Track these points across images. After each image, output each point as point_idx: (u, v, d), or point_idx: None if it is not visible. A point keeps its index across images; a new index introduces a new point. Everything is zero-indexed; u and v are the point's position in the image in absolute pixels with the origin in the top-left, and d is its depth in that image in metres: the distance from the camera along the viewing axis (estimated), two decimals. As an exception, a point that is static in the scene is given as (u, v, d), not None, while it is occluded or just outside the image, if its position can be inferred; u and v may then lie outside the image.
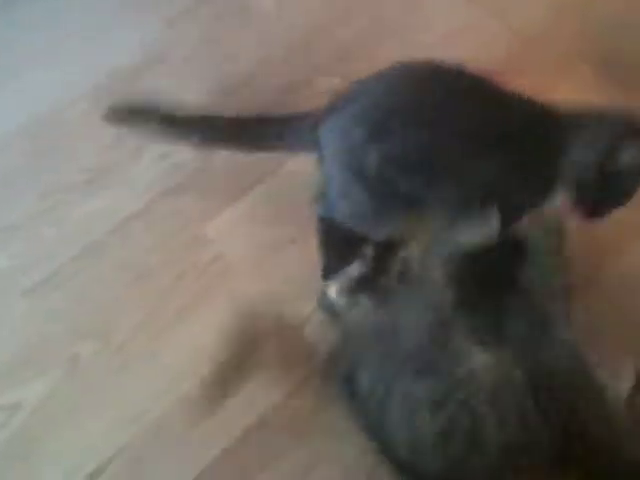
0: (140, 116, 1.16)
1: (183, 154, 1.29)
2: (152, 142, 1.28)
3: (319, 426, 1.03)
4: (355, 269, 1.06)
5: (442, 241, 1.05)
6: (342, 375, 1.02)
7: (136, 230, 1.21)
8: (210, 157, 1.28)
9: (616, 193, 0.97)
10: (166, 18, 1.51)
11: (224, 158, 1.27)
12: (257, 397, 1.05)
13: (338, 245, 1.13)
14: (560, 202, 0.98)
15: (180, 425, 1.03)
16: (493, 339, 0.95)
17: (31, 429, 1.03)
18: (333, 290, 1.06)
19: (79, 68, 1.43)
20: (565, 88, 1.30)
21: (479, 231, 1.03)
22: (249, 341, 1.10)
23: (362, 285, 1.06)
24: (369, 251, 1.08)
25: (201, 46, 1.47)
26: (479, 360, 0.93)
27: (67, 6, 1.54)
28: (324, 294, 1.09)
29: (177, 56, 1.45)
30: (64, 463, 1.01)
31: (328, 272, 1.10)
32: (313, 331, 1.11)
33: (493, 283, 1.00)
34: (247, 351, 1.10)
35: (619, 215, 0.98)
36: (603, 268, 1.15)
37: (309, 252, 1.12)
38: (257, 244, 1.19)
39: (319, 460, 1.01)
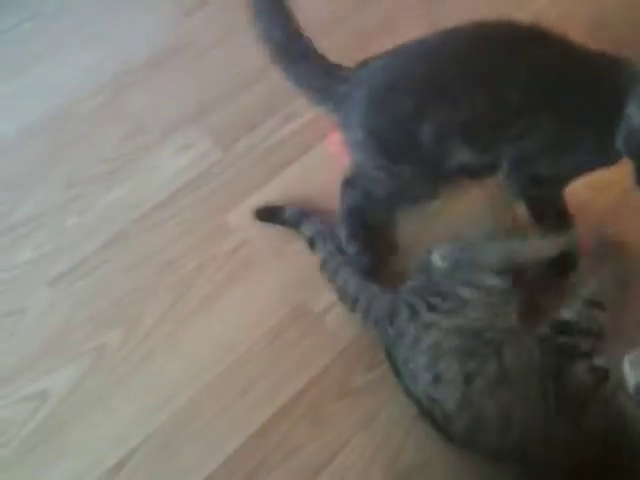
0: None
1: (204, 144, 1.29)
2: (173, 134, 1.29)
3: (341, 413, 1.04)
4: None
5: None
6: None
7: (159, 220, 1.22)
8: (232, 146, 1.29)
9: None
10: (183, 9, 1.51)
11: (245, 147, 1.28)
12: (279, 385, 1.07)
13: (362, 236, 1.14)
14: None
15: (206, 412, 1.05)
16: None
17: (58, 418, 1.05)
18: (437, 257, 1.04)
19: (97, 59, 1.43)
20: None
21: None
22: (271, 330, 1.11)
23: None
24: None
25: (218, 39, 1.46)
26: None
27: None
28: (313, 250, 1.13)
29: (193, 49, 1.44)
30: (92, 450, 1.02)
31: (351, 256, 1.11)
32: (335, 319, 1.11)
33: None
34: (270, 339, 1.10)
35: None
36: None
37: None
38: (278, 233, 1.19)
39: (341, 447, 1.02)
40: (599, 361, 0.95)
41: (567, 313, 1.00)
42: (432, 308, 0.99)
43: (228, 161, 1.28)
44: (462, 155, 0.96)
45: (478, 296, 0.99)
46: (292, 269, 1.16)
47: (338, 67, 1.02)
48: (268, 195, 1.23)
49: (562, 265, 1.11)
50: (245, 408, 1.05)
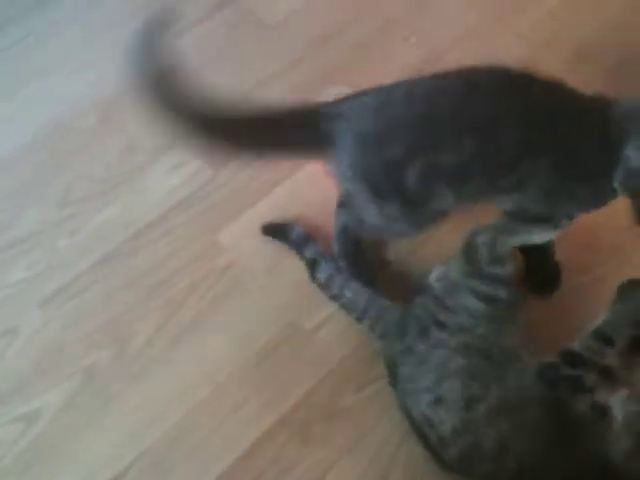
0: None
1: (196, 164, 1.30)
2: (165, 152, 1.30)
3: (332, 431, 1.05)
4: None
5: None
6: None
7: (151, 239, 1.23)
8: (223, 165, 1.29)
9: None
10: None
11: (237, 166, 1.28)
12: (270, 404, 1.07)
13: (356, 254, 1.15)
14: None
15: (198, 431, 1.05)
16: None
17: (50, 438, 1.05)
18: (434, 276, 1.05)
19: (91, 77, 1.44)
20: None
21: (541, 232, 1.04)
22: (262, 348, 1.11)
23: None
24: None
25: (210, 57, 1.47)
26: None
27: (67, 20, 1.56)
28: (313, 272, 1.13)
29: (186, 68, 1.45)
30: (84, 469, 1.02)
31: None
32: (326, 337, 1.12)
33: None
34: (261, 357, 1.11)
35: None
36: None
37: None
38: (270, 251, 1.20)
39: (331, 466, 1.02)
40: (600, 397, 0.93)
41: (576, 345, 0.98)
42: (441, 325, 0.99)
43: (219, 180, 1.29)
44: (447, 201, 0.97)
45: (486, 309, 0.99)
46: (283, 287, 1.16)
47: (316, 105, 1.01)
48: (259, 213, 1.23)
49: (544, 280, 1.13)
50: (236, 427, 1.05)
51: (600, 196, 0.96)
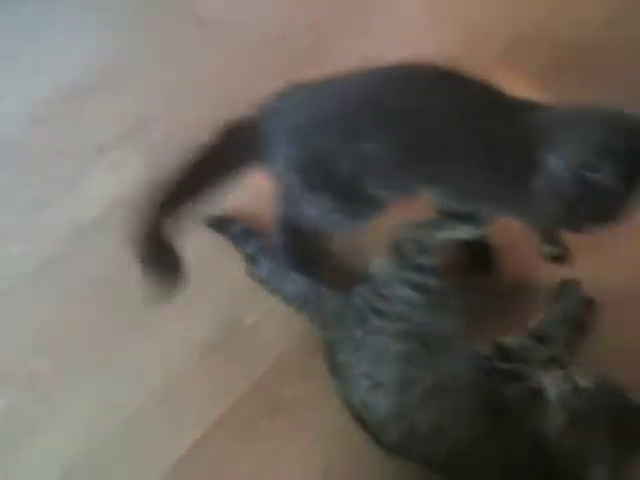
0: None
1: (134, 164, 1.30)
2: (101, 154, 1.30)
3: (274, 424, 1.06)
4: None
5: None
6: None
7: (91, 241, 1.22)
8: (162, 164, 1.28)
9: (598, 208, 0.91)
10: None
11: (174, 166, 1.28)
12: (213, 399, 1.07)
13: (298, 247, 1.15)
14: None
15: (139, 432, 1.05)
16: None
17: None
18: (373, 267, 1.07)
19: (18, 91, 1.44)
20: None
21: (464, 229, 1.06)
22: (203, 344, 1.12)
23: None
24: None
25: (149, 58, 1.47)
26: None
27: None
28: (252, 268, 1.13)
29: (125, 71, 1.46)
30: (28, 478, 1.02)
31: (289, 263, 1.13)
32: (266, 331, 1.13)
33: None
34: (203, 354, 1.11)
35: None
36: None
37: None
38: (211, 248, 1.20)
39: (275, 458, 1.03)
40: (534, 381, 0.95)
41: (511, 341, 1.00)
42: (379, 313, 1.01)
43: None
44: (377, 192, 0.99)
45: (419, 298, 1.01)
46: (223, 284, 1.17)
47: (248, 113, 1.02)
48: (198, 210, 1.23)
49: (481, 260, 1.15)
50: (178, 426, 1.06)
51: (521, 201, 0.96)
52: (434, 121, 0.92)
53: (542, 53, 1.43)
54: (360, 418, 0.99)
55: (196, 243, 1.18)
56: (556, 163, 0.89)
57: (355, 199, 1.00)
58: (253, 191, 1.22)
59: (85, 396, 1.08)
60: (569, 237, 1.13)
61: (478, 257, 1.16)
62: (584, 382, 0.93)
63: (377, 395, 0.96)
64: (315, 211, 1.04)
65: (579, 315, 1.09)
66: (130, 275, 1.16)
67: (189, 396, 1.08)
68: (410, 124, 0.93)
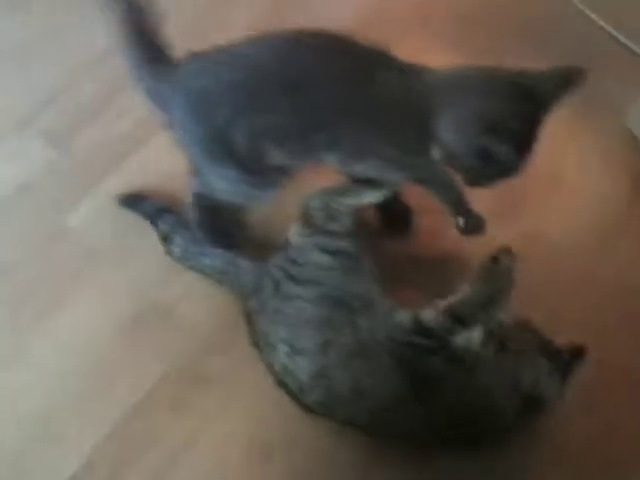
0: None
1: (38, 146, 1.26)
2: (5, 137, 1.26)
3: (200, 397, 1.06)
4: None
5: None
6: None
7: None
8: (66, 146, 1.25)
9: (496, 171, 0.92)
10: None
11: (80, 146, 1.25)
12: (137, 378, 1.07)
13: (213, 221, 1.14)
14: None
15: (62, 416, 1.04)
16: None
17: None
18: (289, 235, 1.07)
19: None
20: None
21: (370, 194, 1.07)
22: (123, 325, 1.11)
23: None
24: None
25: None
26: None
27: None
28: (167, 246, 1.13)
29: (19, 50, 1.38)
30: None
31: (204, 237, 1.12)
32: (187, 307, 1.12)
33: None
34: (124, 335, 1.10)
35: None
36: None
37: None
38: (120, 229, 1.18)
39: (202, 431, 1.04)
40: (455, 348, 0.97)
41: (427, 316, 0.99)
42: (292, 278, 1.02)
43: (63, 161, 1.24)
44: (277, 159, 0.99)
45: (332, 261, 1.02)
46: (138, 264, 1.16)
47: (168, 63, 1.00)
48: (109, 190, 1.20)
49: (396, 222, 1.18)
50: (104, 405, 1.05)
51: (421, 166, 0.99)
52: (326, 88, 0.93)
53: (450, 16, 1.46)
54: (283, 383, 1.01)
55: (111, 225, 1.18)
56: (450, 138, 0.91)
57: (258, 169, 1.01)
58: (167, 167, 1.22)
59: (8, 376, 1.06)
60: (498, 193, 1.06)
61: (393, 219, 1.18)
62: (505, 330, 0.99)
63: (297, 359, 0.98)
64: (222, 184, 1.04)
65: (507, 291, 1.02)
66: (40, 258, 1.15)
67: (113, 374, 1.07)
68: (302, 90, 0.93)
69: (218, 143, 0.96)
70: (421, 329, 0.98)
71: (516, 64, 0.92)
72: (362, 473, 1.01)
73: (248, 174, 1.00)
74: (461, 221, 1.06)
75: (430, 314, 0.99)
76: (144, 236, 1.16)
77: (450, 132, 0.90)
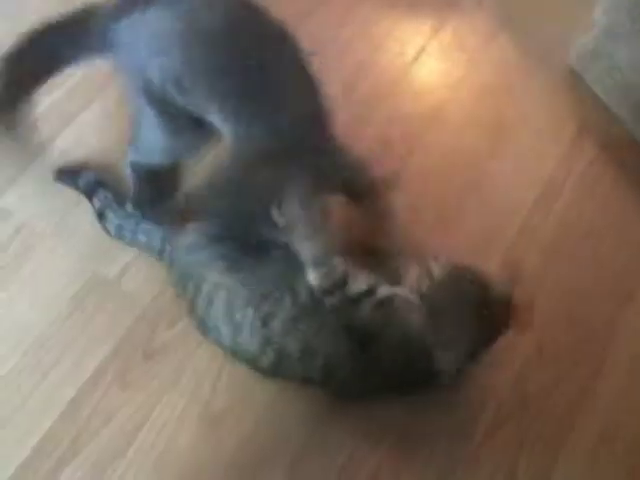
0: None
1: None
2: None
3: (149, 372, 1.06)
4: None
5: None
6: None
7: None
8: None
9: None
10: None
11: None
12: (84, 357, 1.06)
13: (150, 191, 1.13)
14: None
15: (8, 402, 1.03)
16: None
17: None
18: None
19: None
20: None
21: None
22: (67, 305, 1.09)
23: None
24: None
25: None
26: None
27: None
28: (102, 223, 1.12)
29: None
30: None
31: (142, 210, 1.11)
32: (130, 282, 1.11)
33: None
34: (67, 314, 1.09)
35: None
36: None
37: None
38: (60, 204, 1.16)
39: (154, 405, 1.04)
40: (380, 293, 0.96)
41: (311, 280, 0.96)
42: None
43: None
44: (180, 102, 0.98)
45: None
46: (78, 241, 1.14)
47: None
48: (44, 168, 1.18)
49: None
50: (51, 387, 1.04)
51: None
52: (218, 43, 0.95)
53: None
54: (234, 355, 1.01)
55: (48, 204, 1.16)
56: None
57: (175, 115, 1.00)
58: (100, 141, 1.19)
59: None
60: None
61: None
62: (438, 272, 0.98)
63: (242, 336, 0.97)
64: (150, 134, 1.05)
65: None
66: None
67: (60, 353, 1.06)
68: (207, 43, 0.96)
69: (140, 77, 0.98)
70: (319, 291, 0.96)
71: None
72: (312, 428, 1.03)
73: (167, 121, 1.01)
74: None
75: (311, 276, 0.95)
76: (82, 212, 1.14)
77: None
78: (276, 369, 0.99)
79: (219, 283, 0.99)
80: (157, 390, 1.04)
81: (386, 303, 0.96)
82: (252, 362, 0.99)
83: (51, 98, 1.24)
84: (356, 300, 0.95)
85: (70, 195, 1.15)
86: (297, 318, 0.96)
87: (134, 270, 1.12)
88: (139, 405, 1.03)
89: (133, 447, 1.01)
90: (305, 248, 0.95)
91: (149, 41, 0.98)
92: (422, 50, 1.39)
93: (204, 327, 1.01)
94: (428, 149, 1.25)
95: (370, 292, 0.96)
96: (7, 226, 1.14)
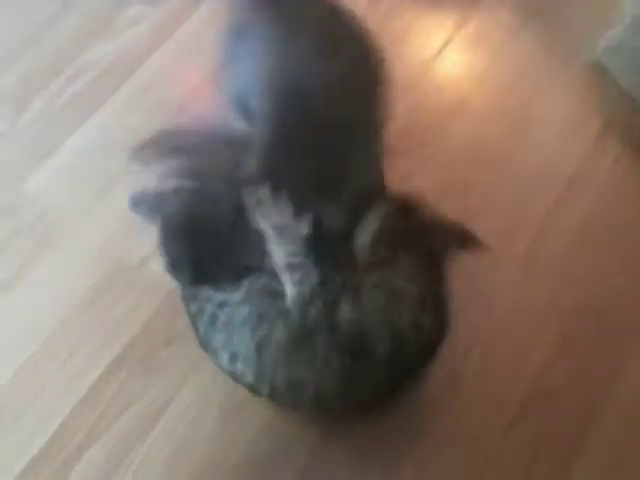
0: None
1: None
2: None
3: (172, 357, 1.05)
4: None
5: None
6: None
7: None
8: (21, 110, 1.22)
9: None
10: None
11: (32, 113, 1.22)
12: (106, 343, 1.06)
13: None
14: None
15: (29, 389, 1.03)
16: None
17: None
18: None
19: None
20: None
21: None
22: (89, 292, 1.09)
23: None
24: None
25: None
26: None
27: None
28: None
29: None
30: None
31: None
32: (152, 269, 1.11)
33: None
34: (90, 301, 1.09)
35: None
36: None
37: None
38: (84, 190, 1.16)
39: (176, 391, 1.03)
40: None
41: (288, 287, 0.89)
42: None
43: (19, 126, 1.21)
44: None
45: None
46: (101, 228, 1.13)
47: None
48: (68, 155, 1.18)
49: None
50: (71, 373, 1.04)
51: None
52: None
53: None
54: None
55: (72, 189, 1.16)
56: None
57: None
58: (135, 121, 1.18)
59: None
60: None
61: None
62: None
63: (237, 365, 0.92)
64: None
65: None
66: (5, 230, 1.13)
67: (81, 340, 1.06)
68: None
69: None
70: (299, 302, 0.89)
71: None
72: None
73: None
74: None
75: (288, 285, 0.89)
76: (107, 199, 1.14)
77: None
78: (272, 398, 0.94)
79: (223, 299, 0.93)
80: (179, 375, 1.04)
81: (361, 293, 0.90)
82: (250, 389, 0.94)
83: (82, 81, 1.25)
84: (336, 302, 0.89)
85: (94, 182, 1.16)
86: (287, 345, 0.88)
87: (156, 258, 1.11)
88: (160, 390, 1.03)
89: (153, 433, 1.00)
90: (277, 254, 0.88)
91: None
92: (446, 44, 1.38)
93: (205, 346, 0.96)
94: (452, 140, 1.24)
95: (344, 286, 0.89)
96: (30, 211, 1.14)
